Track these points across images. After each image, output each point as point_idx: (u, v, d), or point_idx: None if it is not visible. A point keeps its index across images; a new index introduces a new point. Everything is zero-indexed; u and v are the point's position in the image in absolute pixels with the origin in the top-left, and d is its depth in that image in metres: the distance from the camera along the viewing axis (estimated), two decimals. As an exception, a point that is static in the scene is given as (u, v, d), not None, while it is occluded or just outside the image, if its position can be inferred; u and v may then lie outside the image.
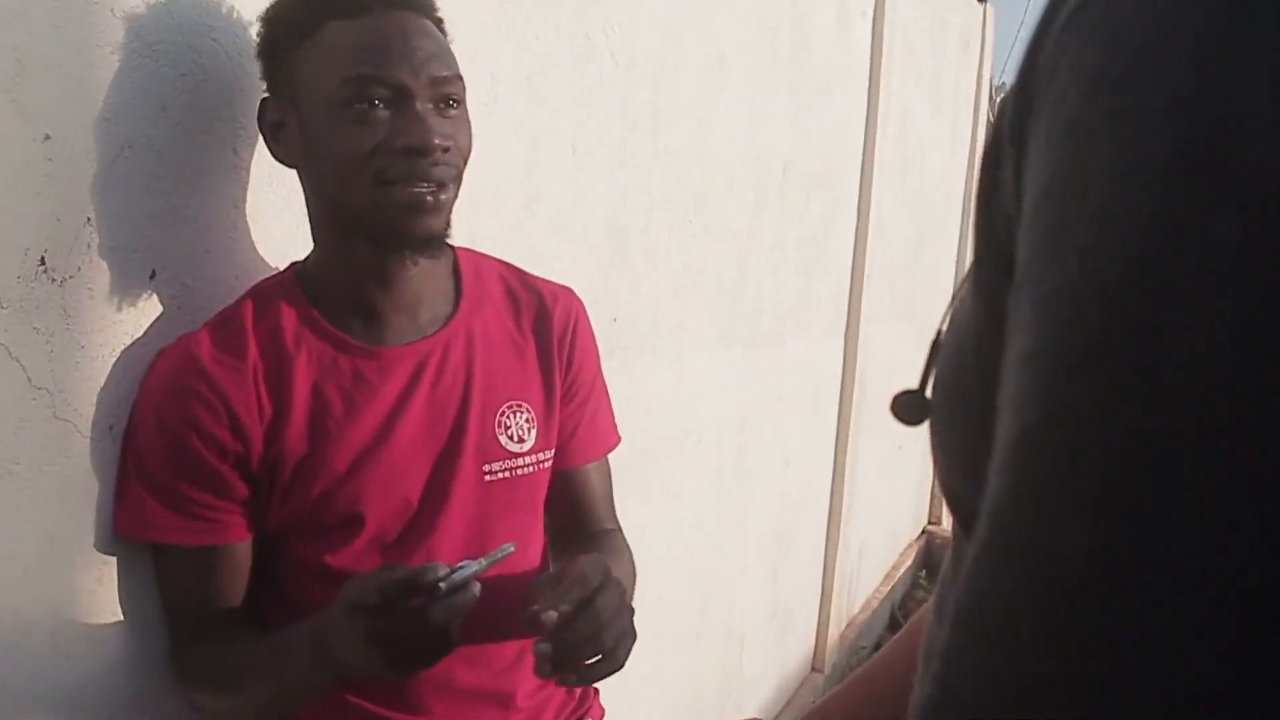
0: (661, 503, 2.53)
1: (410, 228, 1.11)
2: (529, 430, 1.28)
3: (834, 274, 3.93)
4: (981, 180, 0.49)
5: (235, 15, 1.20)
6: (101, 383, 1.10)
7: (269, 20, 1.15)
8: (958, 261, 6.86)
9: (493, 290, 1.32)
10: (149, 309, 1.15)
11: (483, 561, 1.02)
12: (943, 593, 0.60)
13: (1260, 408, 0.34)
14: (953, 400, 0.53)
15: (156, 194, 1.13)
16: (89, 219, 1.06)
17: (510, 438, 1.26)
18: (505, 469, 1.25)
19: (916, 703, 0.43)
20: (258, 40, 1.16)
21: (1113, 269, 0.37)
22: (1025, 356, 0.40)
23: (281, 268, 1.24)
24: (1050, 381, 0.38)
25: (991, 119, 8.09)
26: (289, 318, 1.17)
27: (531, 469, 1.28)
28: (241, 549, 1.17)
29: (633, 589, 1.33)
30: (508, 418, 1.26)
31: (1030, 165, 0.43)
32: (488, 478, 1.24)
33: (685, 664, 2.80)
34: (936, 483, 0.52)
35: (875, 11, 4.02)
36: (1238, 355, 0.35)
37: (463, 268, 1.30)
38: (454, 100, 1.14)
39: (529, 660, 1.10)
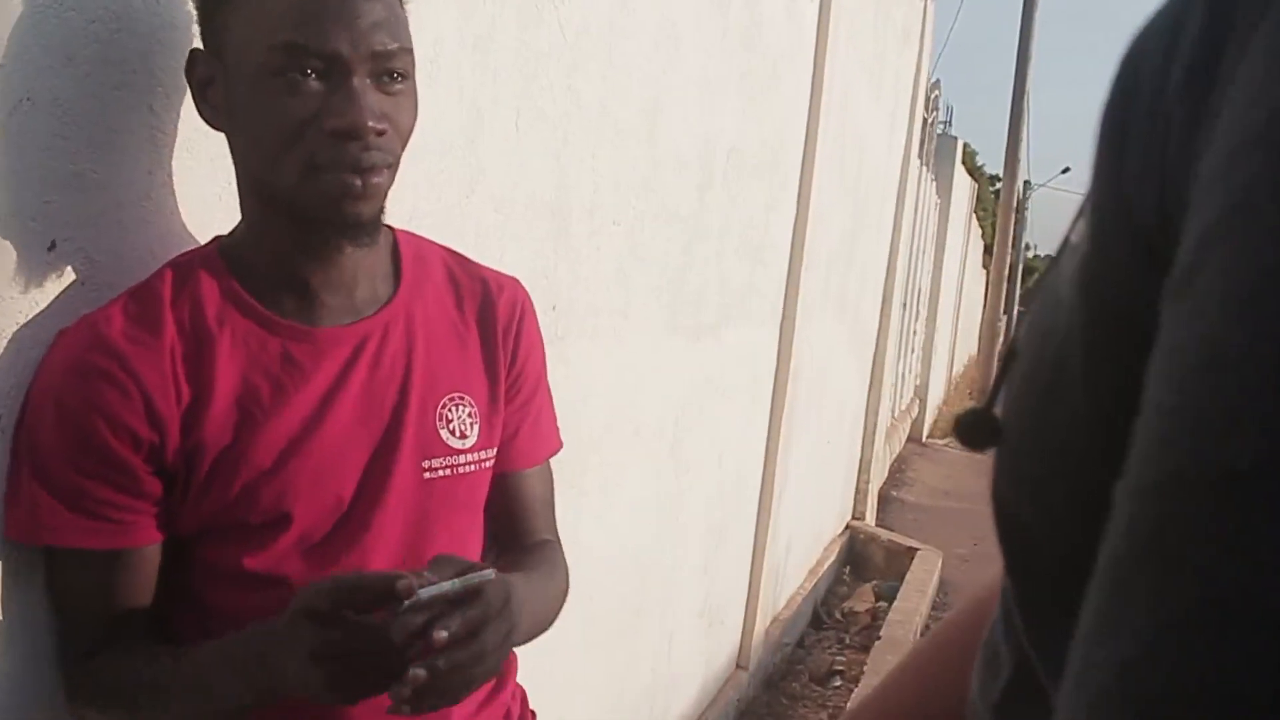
0: (598, 495, 2.43)
1: (338, 214, 1.00)
2: (471, 426, 1.17)
3: (774, 263, 3.86)
4: (1103, 158, 0.38)
5: (156, -43, 1.07)
6: (-10, 367, 0.96)
7: None
8: (890, 256, 6.85)
9: (435, 275, 1.21)
10: (47, 286, 1.01)
11: (457, 584, 0.90)
12: (992, 640, 0.51)
13: None
14: (1037, 419, 0.43)
15: (59, 155, 1.00)
16: (-21, 180, 0.92)
17: (452, 432, 1.15)
18: (446, 466, 1.14)
19: None
20: None
21: None
22: (1202, 355, 0.29)
23: (203, 242, 1.12)
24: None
25: (926, 113, 8.12)
26: (211, 293, 1.05)
27: (473, 468, 1.18)
28: (151, 552, 1.05)
29: (558, 608, 1.24)
30: (450, 411, 1.15)
31: (1230, 108, 0.31)
32: (427, 475, 1.13)
33: (617, 663, 2.71)
34: (995, 513, 0.42)
35: (822, -3, 3.95)
36: None
37: (403, 250, 1.19)
38: (398, 74, 1.02)
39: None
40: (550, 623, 1.21)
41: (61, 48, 0.99)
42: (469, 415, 1.17)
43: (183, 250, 1.10)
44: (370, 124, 0.97)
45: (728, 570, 3.77)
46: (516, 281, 1.27)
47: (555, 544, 1.31)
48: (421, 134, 1.53)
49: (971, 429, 0.47)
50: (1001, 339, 20.41)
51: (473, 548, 1.22)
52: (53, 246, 1.00)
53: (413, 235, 1.22)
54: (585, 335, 2.25)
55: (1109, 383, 0.38)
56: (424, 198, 1.56)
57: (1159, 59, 0.36)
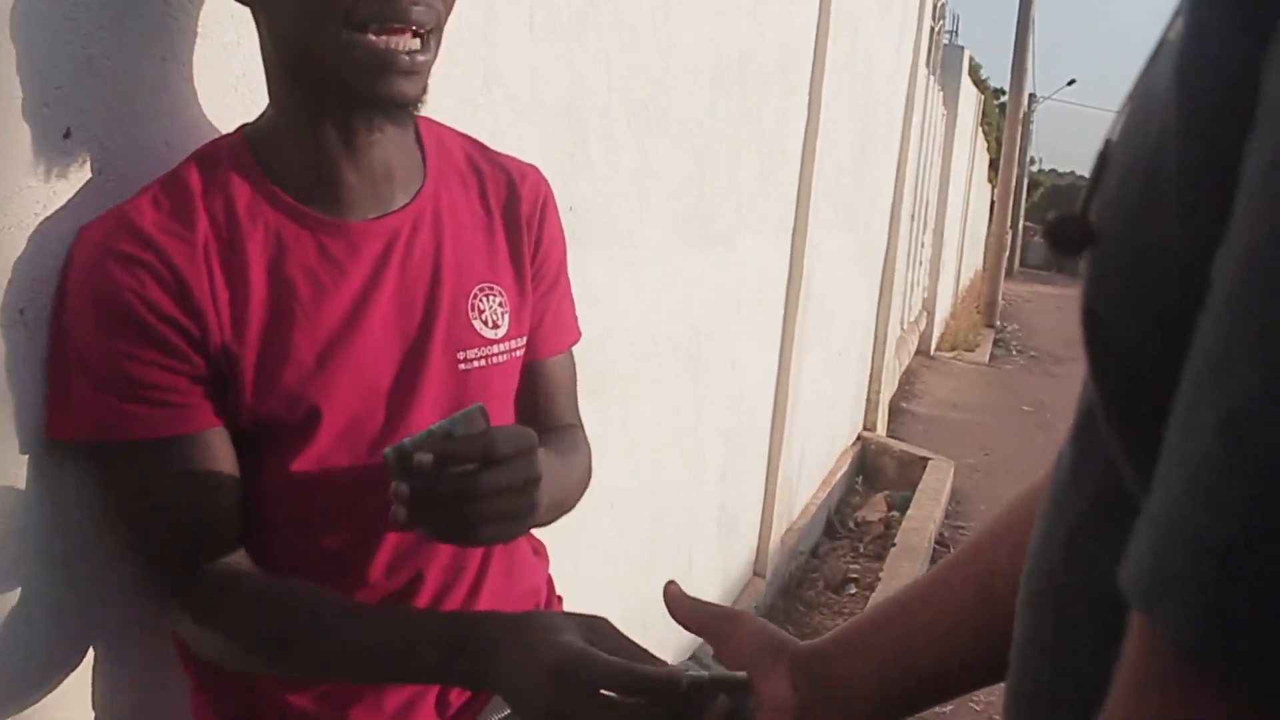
0: (618, 406, 2.42)
1: (382, 90, 0.96)
2: (503, 315, 1.15)
3: (785, 174, 3.81)
4: None
5: None
6: (10, 259, 0.94)
7: None
8: (898, 168, 6.78)
9: (458, 164, 1.18)
10: (65, 176, 0.98)
11: (443, 422, 0.93)
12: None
13: None
14: (1132, 221, 0.42)
15: (70, 38, 0.96)
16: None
17: (485, 323, 1.13)
18: (480, 357, 1.13)
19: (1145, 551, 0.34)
20: None
21: None
22: None
23: (222, 133, 1.08)
24: None
25: (933, 22, 7.98)
26: (241, 188, 1.01)
27: (506, 357, 1.16)
28: (218, 442, 1.00)
29: (581, 489, 1.23)
30: (481, 301, 1.13)
31: None
32: (462, 366, 1.11)
33: (640, 568, 2.73)
34: (1083, 328, 0.45)
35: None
36: None
37: (425, 139, 1.16)
38: None
39: None
40: (574, 501, 1.20)
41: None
42: (500, 305, 1.15)
43: (200, 141, 1.07)
44: None
45: (743, 479, 3.78)
46: (538, 170, 1.25)
47: (579, 428, 1.31)
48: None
49: (1063, 233, 0.45)
50: (1007, 252, 20.28)
51: None
52: (67, 134, 0.97)
53: (432, 123, 1.19)
54: (602, 242, 2.22)
55: (1205, 177, 0.37)
56: (441, 91, 1.52)
57: None
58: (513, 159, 1.24)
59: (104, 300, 0.94)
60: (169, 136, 1.07)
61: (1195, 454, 0.33)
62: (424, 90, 1.00)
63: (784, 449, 4.11)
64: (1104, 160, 0.45)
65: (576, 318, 1.33)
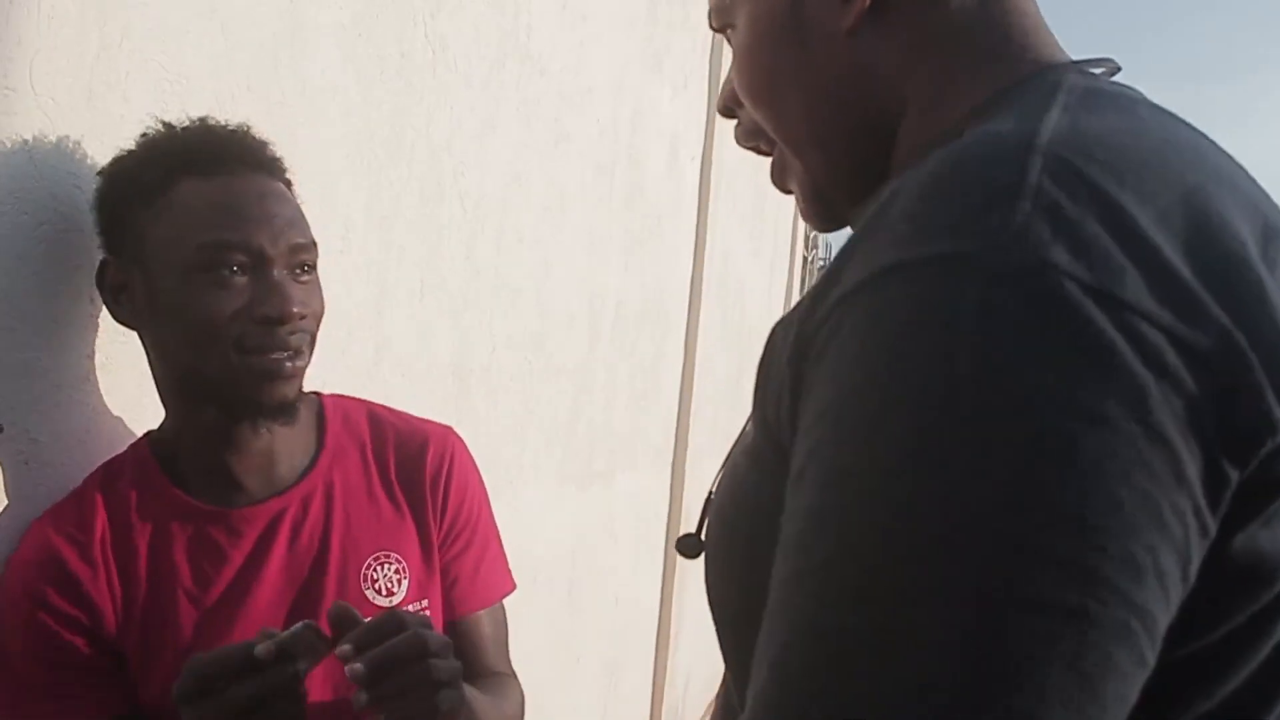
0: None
1: (264, 395, 1.10)
2: (399, 581, 1.23)
3: (663, 407, 4.00)
4: (758, 379, 0.65)
5: (100, 163, 1.18)
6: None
7: (112, 175, 1.13)
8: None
9: (360, 436, 1.28)
10: (-4, 466, 1.10)
11: (297, 627, 0.98)
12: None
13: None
14: (724, 542, 0.70)
15: (10, 346, 1.10)
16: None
17: (379, 591, 1.21)
18: None
19: None
20: (96, 195, 1.13)
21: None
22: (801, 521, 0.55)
23: (130, 419, 1.21)
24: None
25: (806, 251, 8.48)
26: (137, 486, 1.15)
27: None
28: None
29: None
30: (375, 570, 1.22)
31: (806, 391, 0.57)
32: None
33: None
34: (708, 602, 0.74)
35: (703, 155, 4.19)
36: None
37: (329, 415, 1.27)
38: (308, 266, 1.14)
39: None
40: None
41: (14, 248, 1.09)
42: (395, 572, 1.22)
43: (111, 429, 1.20)
44: (295, 309, 1.09)
45: (625, 711, 3.81)
46: (447, 429, 1.33)
47: (509, 676, 1.35)
48: (332, 309, 1.65)
49: (685, 545, 0.81)
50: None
51: None
52: (0, 430, 1.09)
53: (340, 399, 1.30)
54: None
55: (765, 515, 0.60)
56: (333, 369, 1.67)
57: (781, 338, 0.62)
58: (420, 421, 1.33)
59: (16, 613, 1.08)
60: (88, 425, 1.20)
61: (756, 685, 0.53)
62: (300, 391, 1.14)
63: (669, 679, 4.16)
64: (709, 500, 0.76)
65: (507, 569, 1.39)
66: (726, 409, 5.24)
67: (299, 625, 0.97)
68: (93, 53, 1.17)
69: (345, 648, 0.95)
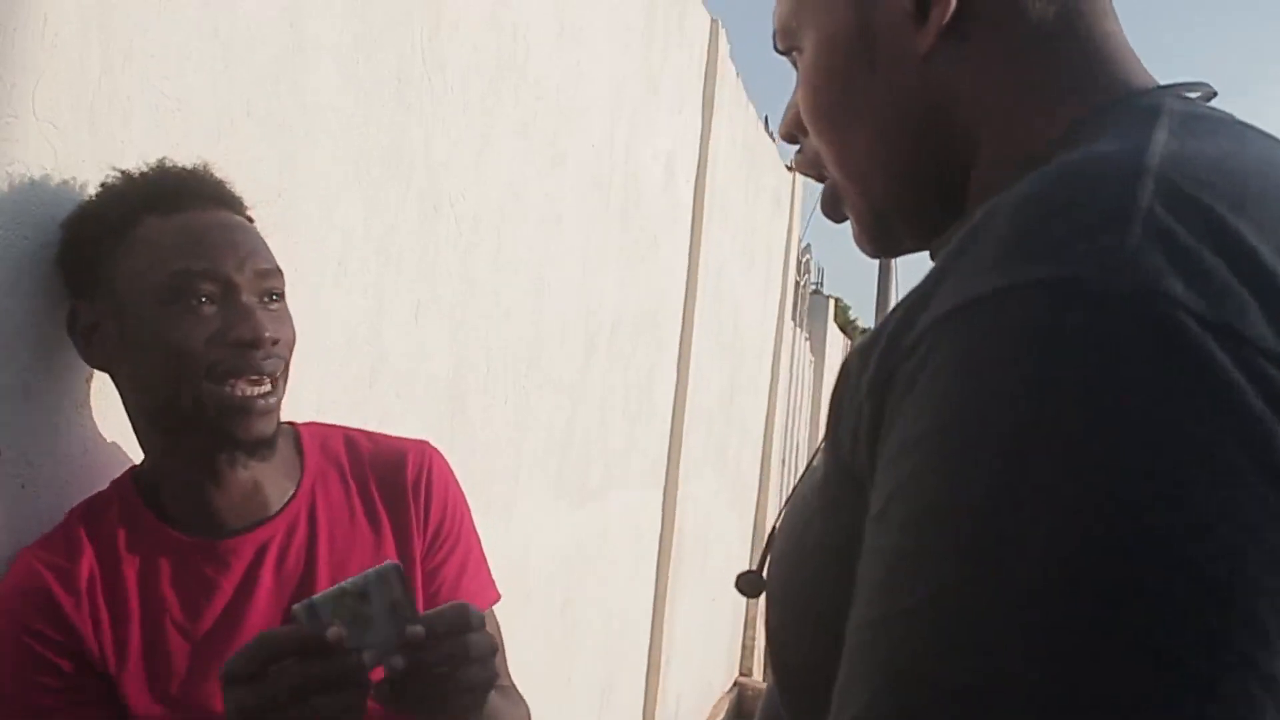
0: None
1: (242, 431, 1.10)
2: None
3: (657, 426, 4.01)
4: (831, 411, 0.60)
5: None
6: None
7: (76, 222, 1.14)
8: (768, 414, 7.09)
9: (338, 460, 1.28)
10: (-6, 490, 1.10)
11: (355, 579, 0.96)
12: None
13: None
14: (790, 582, 0.66)
15: (7, 368, 1.10)
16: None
17: None
18: None
19: None
20: (61, 245, 1.14)
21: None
22: (888, 557, 0.52)
23: (126, 443, 1.21)
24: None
25: (798, 276, 8.50)
26: (122, 520, 1.15)
27: None
28: None
29: None
30: None
31: (889, 423, 0.54)
32: None
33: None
34: (766, 644, 0.71)
35: (698, 173, 4.21)
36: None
37: (306, 445, 1.27)
38: (276, 294, 1.15)
39: None
40: None
41: (12, 269, 1.10)
42: None
43: (104, 451, 1.20)
44: (267, 334, 1.10)
45: (617, 730, 3.81)
46: (423, 444, 1.34)
47: (510, 689, 1.36)
48: (329, 326, 1.66)
49: (747, 583, 0.76)
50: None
51: None
52: (-1, 454, 1.09)
53: (317, 426, 1.31)
54: (479, 505, 2.34)
55: (836, 555, 0.58)
56: (330, 386, 1.67)
57: (859, 366, 0.57)
58: (399, 440, 1.33)
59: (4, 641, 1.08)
60: (86, 446, 1.20)
61: None
62: (277, 426, 1.15)
63: (659, 698, 4.16)
64: (772, 536, 0.70)
65: (491, 580, 1.39)
66: (720, 424, 5.25)
67: (386, 564, 0.97)
68: (95, 76, 1.17)
69: (418, 629, 0.95)
